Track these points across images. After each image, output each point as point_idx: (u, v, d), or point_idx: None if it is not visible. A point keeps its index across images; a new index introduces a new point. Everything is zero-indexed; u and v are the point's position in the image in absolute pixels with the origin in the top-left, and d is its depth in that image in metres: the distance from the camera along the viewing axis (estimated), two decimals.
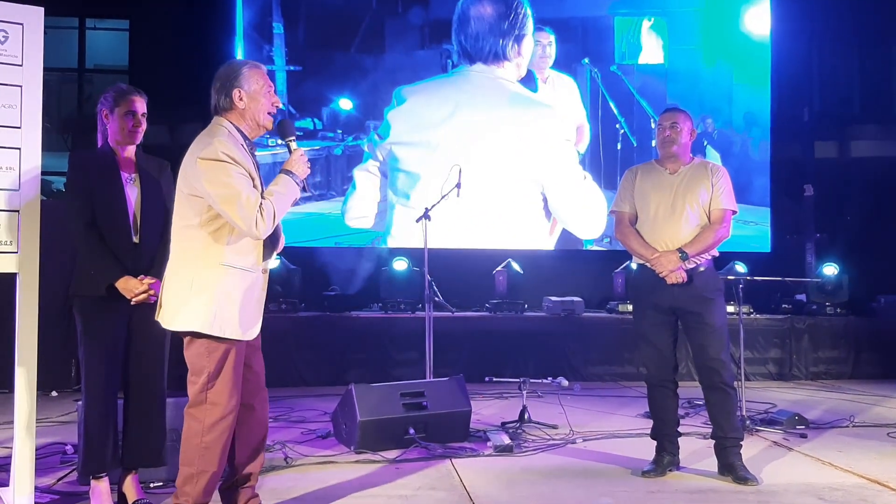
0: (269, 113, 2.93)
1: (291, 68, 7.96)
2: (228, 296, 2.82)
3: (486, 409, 5.58)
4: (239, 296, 2.85)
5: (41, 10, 3.25)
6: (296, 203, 3.05)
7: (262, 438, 3.13)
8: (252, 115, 2.90)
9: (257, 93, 2.89)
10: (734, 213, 3.99)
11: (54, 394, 6.07)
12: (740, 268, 7.14)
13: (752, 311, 7.40)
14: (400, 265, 7.35)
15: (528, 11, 8.22)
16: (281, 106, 2.99)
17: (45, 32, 3.28)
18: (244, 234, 2.83)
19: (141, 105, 3.35)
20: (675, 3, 8.64)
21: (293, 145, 2.93)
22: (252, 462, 3.09)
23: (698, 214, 3.92)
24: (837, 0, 8.59)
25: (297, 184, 2.88)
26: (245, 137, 2.93)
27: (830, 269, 7.74)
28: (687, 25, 8.60)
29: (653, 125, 8.25)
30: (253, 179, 2.86)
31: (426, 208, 5.58)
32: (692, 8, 8.65)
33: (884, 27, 8.73)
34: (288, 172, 2.88)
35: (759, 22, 8.67)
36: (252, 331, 2.91)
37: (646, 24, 8.54)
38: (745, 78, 8.64)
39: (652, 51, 8.56)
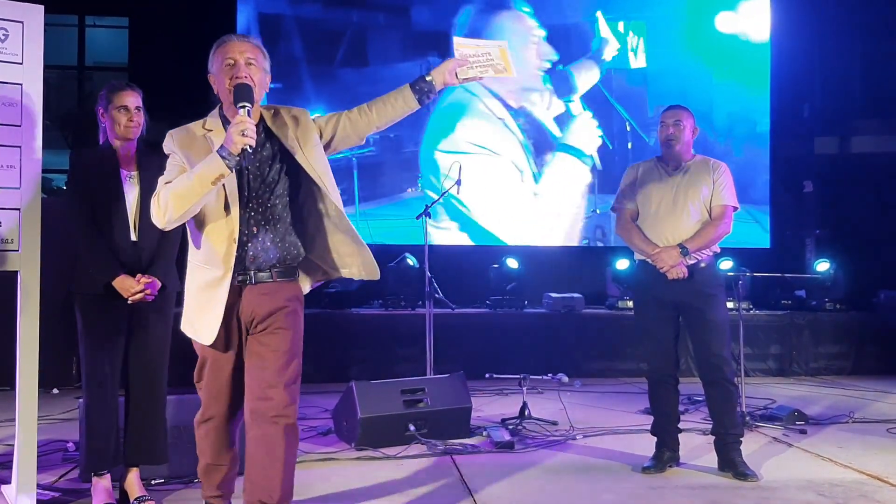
0: (235, 86, 2.59)
1: (272, 86, 7.93)
2: (191, 294, 2.70)
3: (487, 406, 5.59)
4: (196, 294, 2.67)
5: (41, 8, 3.25)
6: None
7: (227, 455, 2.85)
8: (222, 95, 2.69)
9: (217, 71, 2.68)
10: (735, 209, 4.00)
11: (56, 391, 6.07)
12: (727, 264, 7.08)
13: (751, 306, 7.40)
14: (411, 262, 7.35)
15: None
16: (243, 76, 2.60)
17: (44, 30, 3.28)
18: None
19: (133, 99, 3.34)
20: (655, 6, 8.67)
21: (241, 113, 2.50)
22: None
23: (699, 210, 3.93)
24: None
25: (224, 158, 2.44)
26: (227, 120, 2.68)
27: (823, 266, 7.74)
28: (667, 28, 8.65)
29: (628, 128, 8.29)
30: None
31: (426, 205, 5.59)
32: (672, 10, 8.70)
33: (885, 22, 8.72)
34: (220, 148, 2.49)
35: (737, 20, 8.72)
36: (204, 335, 2.63)
37: (622, 26, 8.60)
38: (728, 77, 8.67)
39: (632, 54, 8.61)
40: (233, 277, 2.60)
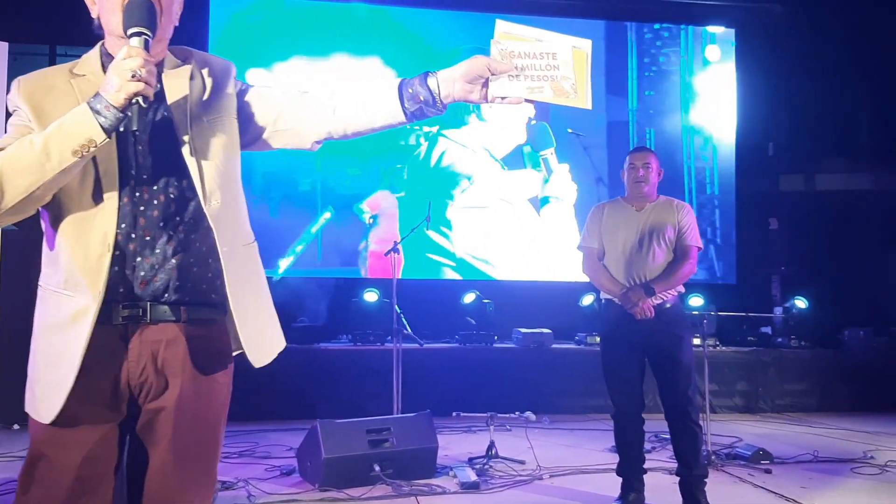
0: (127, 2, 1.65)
1: None
2: (37, 341, 1.75)
3: (455, 444, 5.55)
4: (45, 338, 1.72)
5: (5, 45, 3.24)
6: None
7: None
8: (107, 20, 1.74)
9: None
10: (700, 249, 4.06)
11: (16, 427, 5.95)
12: (696, 300, 7.15)
13: (718, 343, 7.45)
14: (370, 297, 7.30)
15: None
16: None
17: (14, 59, 3.26)
18: None
19: None
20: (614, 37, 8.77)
21: (133, 43, 1.58)
22: None
23: (665, 251, 3.98)
24: (802, 35, 8.77)
25: (98, 114, 1.54)
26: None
27: (801, 303, 7.82)
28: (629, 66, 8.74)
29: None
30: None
31: (395, 242, 5.61)
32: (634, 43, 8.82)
33: (848, 61, 8.92)
34: (94, 98, 1.56)
35: (704, 61, 8.86)
36: (43, 407, 1.68)
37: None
38: (694, 115, 8.77)
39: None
40: (110, 311, 1.64)
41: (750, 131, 8.90)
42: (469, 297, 7.59)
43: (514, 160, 8.29)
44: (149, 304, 1.66)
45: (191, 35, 8.05)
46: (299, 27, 8.04)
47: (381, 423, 4.59)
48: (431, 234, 7.84)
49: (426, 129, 8.12)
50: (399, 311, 5.55)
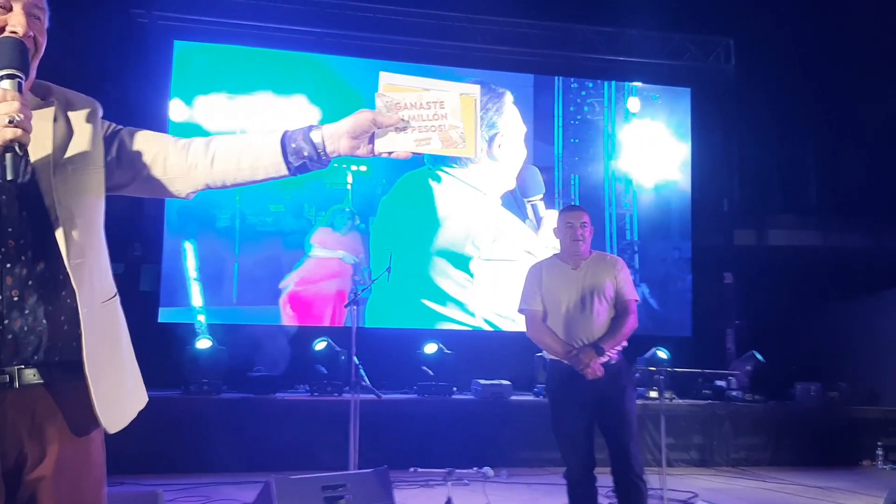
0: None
1: None
2: None
3: (412, 499, 5.50)
4: None
5: None
6: None
7: None
8: None
9: None
10: (637, 301, 4.12)
11: None
12: (662, 354, 7.26)
13: (673, 396, 7.51)
14: (324, 346, 7.25)
15: None
16: (18, 26, 1.54)
17: None
18: None
19: None
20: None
21: (5, 86, 1.46)
22: None
23: (606, 308, 4.04)
24: (755, 94, 9.07)
25: None
26: None
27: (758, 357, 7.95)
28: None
29: None
30: None
31: (355, 293, 5.60)
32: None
33: (799, 121, 9.23)
34: None
35: (660, 119, 9.10)
36: None
37: None
38: (650, 172, 8.97)
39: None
40: None
41: (705, 187, 9.12)
42: (430, 348, 7.58)
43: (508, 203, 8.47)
44: (16, 369, 1.54)
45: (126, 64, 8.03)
46: (224, 64, 8.17)
47: (337, 479, 4.51)
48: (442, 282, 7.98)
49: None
50: (357, 361, 5.51)
